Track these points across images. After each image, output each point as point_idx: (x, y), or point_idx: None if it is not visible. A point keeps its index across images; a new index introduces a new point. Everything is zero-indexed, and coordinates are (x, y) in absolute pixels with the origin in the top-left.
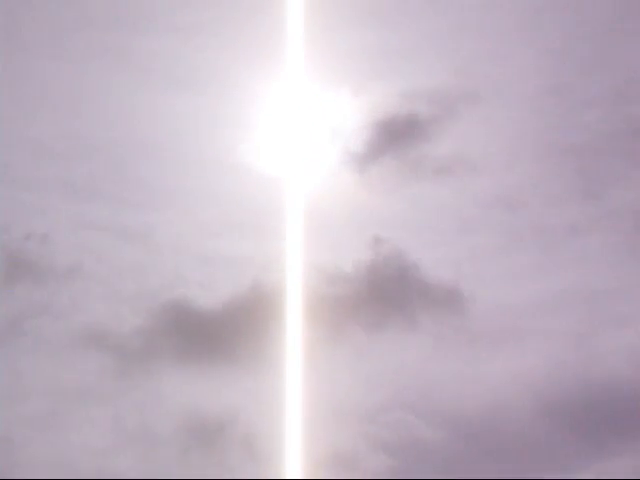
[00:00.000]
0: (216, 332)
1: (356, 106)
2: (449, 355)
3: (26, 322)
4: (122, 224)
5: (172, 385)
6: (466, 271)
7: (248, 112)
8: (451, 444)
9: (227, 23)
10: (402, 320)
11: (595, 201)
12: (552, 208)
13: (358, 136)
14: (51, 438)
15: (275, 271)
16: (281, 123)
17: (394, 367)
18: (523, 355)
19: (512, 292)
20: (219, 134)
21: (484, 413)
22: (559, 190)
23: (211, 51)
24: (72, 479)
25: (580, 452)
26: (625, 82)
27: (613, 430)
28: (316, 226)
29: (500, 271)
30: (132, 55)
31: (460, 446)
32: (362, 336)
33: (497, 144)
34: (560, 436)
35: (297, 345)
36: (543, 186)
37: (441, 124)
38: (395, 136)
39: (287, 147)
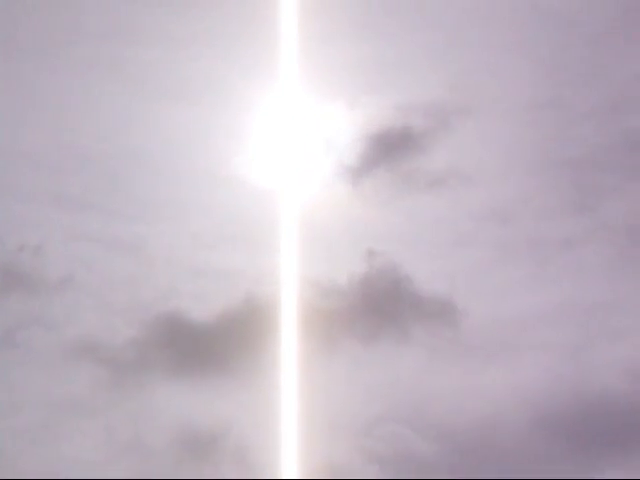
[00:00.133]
0: (209, 344)
1: (350, 119)
2: (443, 368)
3: (18, 333)
4: (115, 236)
5: (165, 397)
6: (460, 284)
7: (242, 124)
8: (445, 457)
9: (221, 35)
10: (396, 333)
11: (590, 214)
12: (547, 221)
13: (352, 149)
14: (43, 450)
15: (269, 283)
16: (275, 135)
17: (388, 380)
18: (517, 368)
19: (506, 305)
20: (213, 146)
21: (479, 426)
22: (554, 203)
23: (205, 63)
24: None
25: (576, 465)
26: (619, 95)
27: (609, 443)
28: (310, 239)
29: (494, 284)
30: (125, 66)
31: (455, 459)
32: (356, 349)
33: (492, 157)
34: (555, 449)
35: (291, 358)
36: (538, 199)
37: (435, 137)
38: (389, 149)
39: (281, 159)
